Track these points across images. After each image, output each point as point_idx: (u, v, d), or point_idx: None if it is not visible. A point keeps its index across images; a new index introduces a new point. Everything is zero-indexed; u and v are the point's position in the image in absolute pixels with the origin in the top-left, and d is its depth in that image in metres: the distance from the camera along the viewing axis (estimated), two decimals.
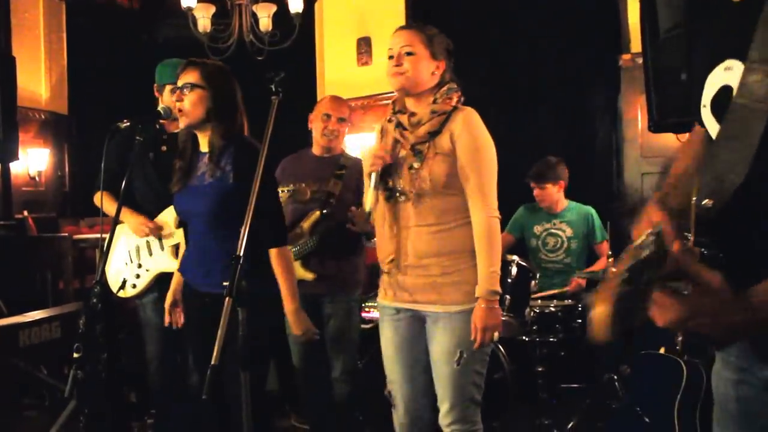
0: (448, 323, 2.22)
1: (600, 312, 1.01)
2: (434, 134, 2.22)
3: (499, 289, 2.19)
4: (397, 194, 2.27)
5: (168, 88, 3.08)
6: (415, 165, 2.22)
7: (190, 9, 5.24)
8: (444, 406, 2.26)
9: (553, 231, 4.21)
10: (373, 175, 2.25)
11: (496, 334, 2.18)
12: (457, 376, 2.22)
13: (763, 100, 1.02)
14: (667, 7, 3.33)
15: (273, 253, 2.37)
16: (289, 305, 2.39)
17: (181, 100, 2.36)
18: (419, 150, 2.23)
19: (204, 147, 2.45)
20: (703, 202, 1.04)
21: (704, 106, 1.20)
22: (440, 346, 2.24)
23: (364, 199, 2.32)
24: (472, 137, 2.21)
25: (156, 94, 3.19)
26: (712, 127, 1.17)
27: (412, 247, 2.26)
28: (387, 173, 2.29)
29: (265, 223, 2.29)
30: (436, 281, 2.24)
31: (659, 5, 3.34)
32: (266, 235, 2.34)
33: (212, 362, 1.73)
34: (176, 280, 2.68)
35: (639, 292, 0.99)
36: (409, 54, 2.24)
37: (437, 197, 2.22)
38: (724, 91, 1.14)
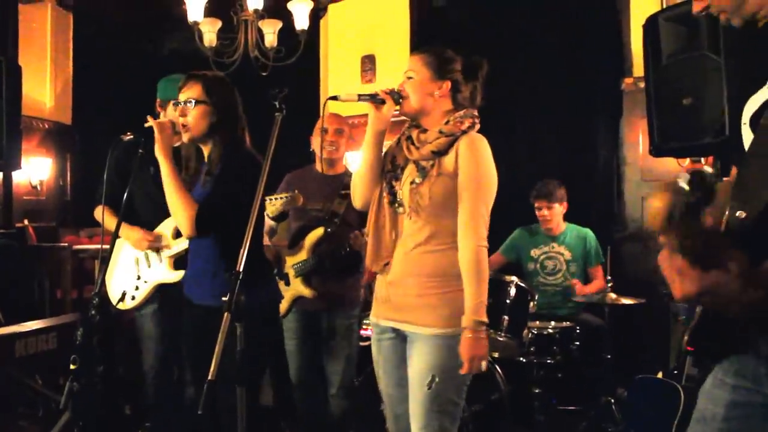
0: (422, 346, 2.19)
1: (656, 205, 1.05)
2: (438, 154, 2.21)
3: (485, 319, 2.13)
4: (397, 204, 2.28)
5: (171, 103, 3.11)
6: (417, 180, 2.22)
7: (196, 23, 5.27)
8: (413, 429, 2.22)
9: (551, 254, 4.21)
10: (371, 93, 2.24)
11: (483, 364, 2.12)
12: (428, 401, 2.17)
13: None
14: (670, 33, 3.36)
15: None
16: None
17: (185, 115, 2.38)
18: (423, 167, 2.23)
19: (206, 159, 2.47)
20: (736, 214, 1.08)
21: (744, 123, 1.28)
22: (413, 368, 2.22)
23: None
24: (474, 163, 2.19)
25: (158, 109, 3.21)
26: (750, 141, 1.23)
27: (396, 262, 2.26)
28: (394, 177, 2.29)
29: (210, 202, 2.32)
30: (410, 302, 2.22)
31: (662, 30, 3.37)
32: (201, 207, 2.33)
33: (209, 377, 1.73)
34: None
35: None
36: (409, 78, 2.26)
37: (432, 216, 2.20)
38: (764, 106, 1.22)
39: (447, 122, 2.23)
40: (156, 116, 3.25)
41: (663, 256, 1.05)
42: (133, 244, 3.08)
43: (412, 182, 2.23)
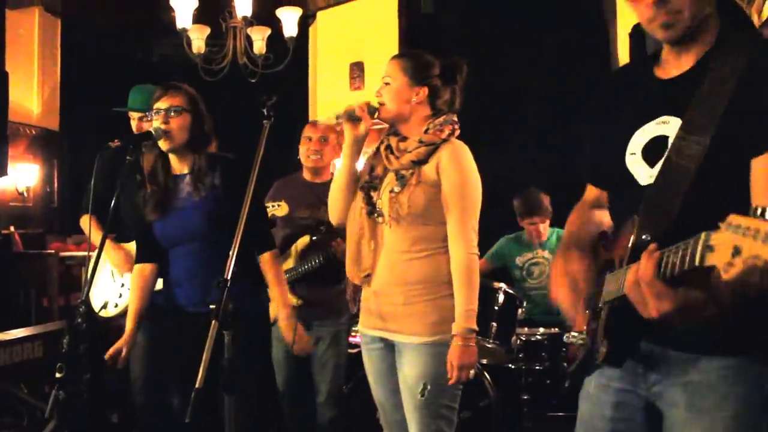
0: (411, 355, 2.19)
1: None
2: (418, 163, 2.20)
3: (475, 327, 2.14)
4: (376, 214, 2.27)
5: (136, 115, 3.15)
6: (396, 189, 2.21)
7: (185, 30, 5.26)
8: None
9: (537, 260, 4.22)
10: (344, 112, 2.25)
11: (471, 372, 2.13)
12: (422, 409, 2.17)
13: (692, 160, 1.26)
14: (655, 41, 3.40)
15: (265, 257, 2.50)
16: (283, 311, 2.50)
17: (167, 123, 2.38)
18: (402, 175, 2.22)
19: (181, 169, 2.46)
20: (642, 237, 1.24)
21: (632, 153, 1.41)
22: (404, 378, 2.22)
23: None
24: (458, 171, 2.18)
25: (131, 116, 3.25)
26: (642, 171, 1.40)
27: (380, 271, 2.25)
28: (372, 187, 2.29)
29: (257, 230, 2.35)
30: (396, 311, 2.21)
31: (648, 39, 3.40)
32: (258, 241, 2.47)
33: (197, 385, 1.72)
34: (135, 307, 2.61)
35: None
36: (386, 84, 2.25)
37: (413, 225, 2.19)
38: (658, 140, 1.37)
39: (426, 130, 2.22)
40: (129, 123, 3.28)
41: (631, 284, 1.15)
42: (115, 266, 3.08)
43: (391, 191, 2.22)
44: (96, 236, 2.83)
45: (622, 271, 1.25)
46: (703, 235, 0.98)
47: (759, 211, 0.91)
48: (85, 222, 3.24)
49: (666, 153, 1.32)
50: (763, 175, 1.24)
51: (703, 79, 1.32)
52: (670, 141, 1.33)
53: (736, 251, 0.92)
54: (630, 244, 1.28)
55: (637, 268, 1.13)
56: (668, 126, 1.36)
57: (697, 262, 0.99)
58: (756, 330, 1.29)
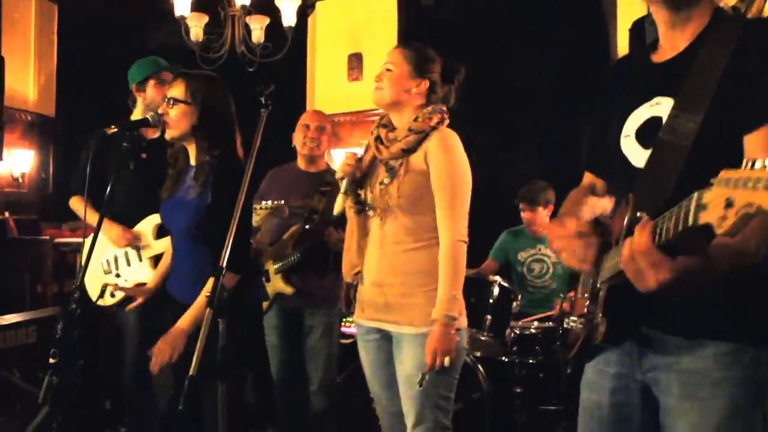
0: (409, 345, 2.19)
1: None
2: (408, 152, 2.21)
3: (456, 314, 2.13)
4: (367, 208, 2.28)
5: (151, 82, 3.14)
6: (386, 180, 2.22)
7: (183, 17, 5.24)
8: (408, 427, 2.23)
9: (538, 256, 4.20)
10: (343, 182, 2.29)
11: (447, 360, 2.10)
12: (420, 398, 2.17)
13: (685, 138, 1.26)
14: (655, 36, 3.40)
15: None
16: (183, 324, 2.25)
17: (167, 112, 2.36)
18: (392, 166, 2.23)
19: (192, 160, 2.44)
20: (637, 215, 1.20)
21: (627, 136, 1.43)
22: (402, 368, 2.22)
23: (336, 203, 2.33)
24: (446, 158, 2.18)
25: (135, 93, 3.22)
26: (635, 152, 1.41)
27: (377, 263, 2.26)
28: (359, 185, 2.30)
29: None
30: (395, 301, 2.22)
31: (648, 34, 3.40)
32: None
33: (191, 373, 1.72)
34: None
35: None
36: (388, 70, 2.26)
37: (405, 215, 2.20)
38: (652, 121, 1.37)
39: (416, 119, 2.23)
40: (133, 103, 3.26)
41: (627, 257, 1.13)
42: (112, 240, 3.05)
43: (381, 183, 2.23)
44: (89, 217, 2.81)
45: (618, 249, 1.23)
46: (695, 194, 0.97)
47: (750, 164, 0.90)
48: (75, 203, 3.23)
49: (659, 133, 1.32)
50: (755, 152, 1.23)
51: (695, 59, 1.32)
52: (664, 121, 1.33)
53: (729, 203, 0.90)
54: (625, 223, 1.26)
55: (631, 242, 1.12)
56: (661, 107, 1.37)
57: (690, 222, 0.97)
58: (750, 314, 1.30)
